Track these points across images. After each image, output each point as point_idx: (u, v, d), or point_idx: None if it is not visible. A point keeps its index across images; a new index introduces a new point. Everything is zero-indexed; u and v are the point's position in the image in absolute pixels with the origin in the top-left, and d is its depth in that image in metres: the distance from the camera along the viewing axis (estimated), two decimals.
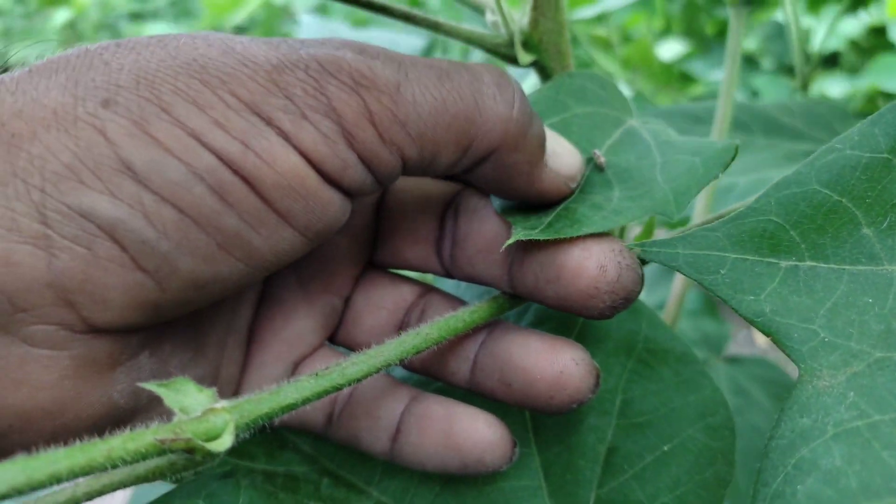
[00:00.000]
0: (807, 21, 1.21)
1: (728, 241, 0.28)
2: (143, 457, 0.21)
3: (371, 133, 0.25)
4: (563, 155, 0.30)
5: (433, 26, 0.37)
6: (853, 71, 1.54)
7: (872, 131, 0.28)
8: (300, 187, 0.24)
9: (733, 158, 0.31)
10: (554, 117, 0.34)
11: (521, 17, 0.37)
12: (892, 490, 0.22)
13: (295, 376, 0.29)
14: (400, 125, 0.26)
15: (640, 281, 0.29)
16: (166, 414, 0.23)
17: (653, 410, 0.33)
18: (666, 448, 0.33)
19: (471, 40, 0.38)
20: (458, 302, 0.33)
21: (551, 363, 0.29)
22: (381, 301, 0.34)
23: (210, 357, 0.30)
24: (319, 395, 0.26)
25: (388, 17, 0.37)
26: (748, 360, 0.78)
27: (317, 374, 0.27)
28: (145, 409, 0.28)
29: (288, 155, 0.24)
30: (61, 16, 2.87)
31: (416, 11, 0.37)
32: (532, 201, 0.30)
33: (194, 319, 0.29)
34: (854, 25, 1.51)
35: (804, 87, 0.75)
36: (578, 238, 0.29)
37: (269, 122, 0.24)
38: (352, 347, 0.34)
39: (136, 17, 3.07)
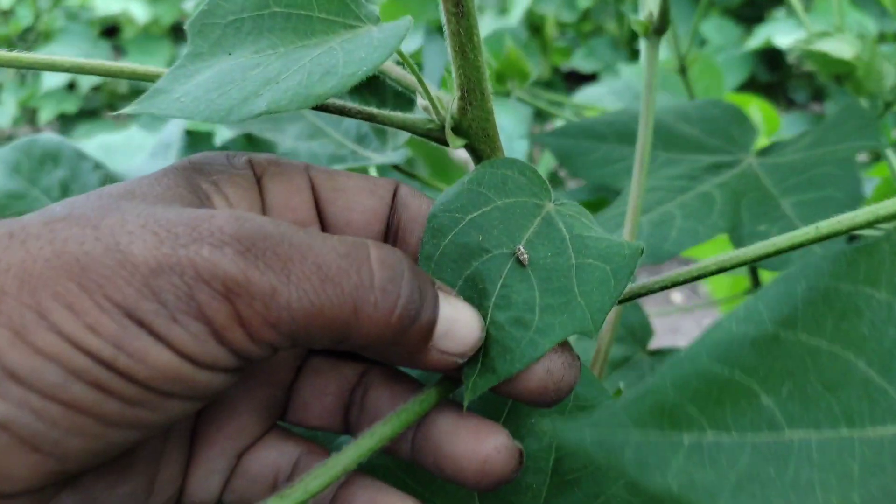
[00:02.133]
0: None
1: (631, 420, 0.29)
2: None
3: (240, 334, 0.27)
4: (457, 333, 0.31)
5: (368, 117, 0.39)
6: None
7: (757, 306, 0.28)
8: (175, 377, 0.27)
9: (637, 260, 0.34)
10: (475, 212, 0.35)
11: (451, 104, 0.39)
12: None
13: (244, 465, 0.34)
14: (270, 327, 0.27)
15: (580, 372, 0.33)
16: None
17: (582, 468, 0.37)
18: None
19: (405, 127, 0.39)
20: (397, 375, 0.36)
21: (476, 453, 0.32)
22: (325, 388, 0.37)
23: (140, 469, 0.32)
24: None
25: (328, 112, 0.39)
26: (671, 352, 0.80)
27: (281, 496, 0.29)
28: None
29: (160, 352, 0.26)
30: None
31: (350, 105, 0.38)
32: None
33: None
34: None
35: None
36: None
37: (141, 324, 0.26)
38: (305, 427, 0.37)
39: None
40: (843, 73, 0.69)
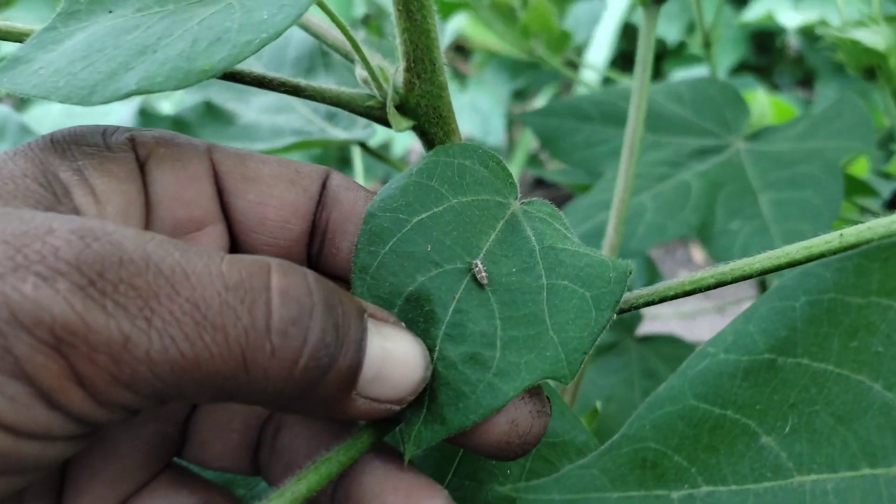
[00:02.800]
0: None
1: (606, 477, 0.24)
2: None
3: (79, 395, 0.21)
4: (390, 375, 0.25)
5: (293, 90, 0.32)
6: None
7: (747, 329, 0.23)
8: None
9: (625, 283, 0.28)
10: (424, 213, 0.29)
11: (395, 75, 0.32)
12: None
13: None
14: (122, 387, 0.21)
15: (549, 419, 0.27)
16: None
17: None
18: None
19: (338, 103, 0.33)
20: None
21: None
22: (228, 424, 0.30)
23: None
24: None
25: (244, 83, 0.32)
26: (659, 338, 0.75)
27: None
28: None
29: None
30: None
31: (272, 76, 0.32)
32: None
33: None
34: None
35: None
36: None
37: None
38: (204, 467, 0.31)
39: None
40: (874, 65, 0.63)
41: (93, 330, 0.20)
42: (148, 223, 0.28)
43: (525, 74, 1.19)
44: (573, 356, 0.26)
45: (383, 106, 0.32)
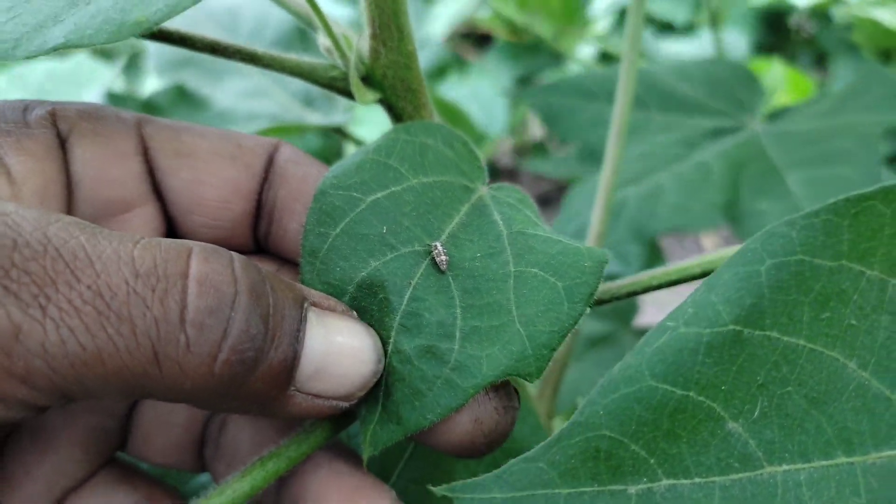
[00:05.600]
0: None
1: (555, 471, 0.22)
2: None
3: None
4: (335, 369, 0.23)
5: (250, 58, 0.30)
6: None
7: (709, 299, 0.21)
8: None
9: (602, 271, 0.25)
10: (380, 192, 0.26)
11: (359, 43, 0.30)
12: None
13: None
14: (17, 381, 0.20)
15: (517, 413, 0.25)
16: None
17: None
18: None
19: (299, 73, 0.30)
20: None
21: None
22: (169, 418, 0.29)
23: None
24: None
25: (195, 50, 0.30)
26: None
27: None
28: None
29: None
30: None
31: (225, 43, 0.30)
32: None
33: None
34: None
35: None
36: None
37: None
38: (147, 462, 0.30)
39: None
40: (893, 46, 0.60)
41: None
42: (70, 205, 0.26)
43: (525, 59, 1.15)
44: (541, 352, 0.24)
45: (346, 77, 0.30)
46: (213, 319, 0.21)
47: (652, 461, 0.21)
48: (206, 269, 0.21)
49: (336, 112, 0.54)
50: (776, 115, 0.61)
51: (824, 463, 0.20)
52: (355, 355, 0.23)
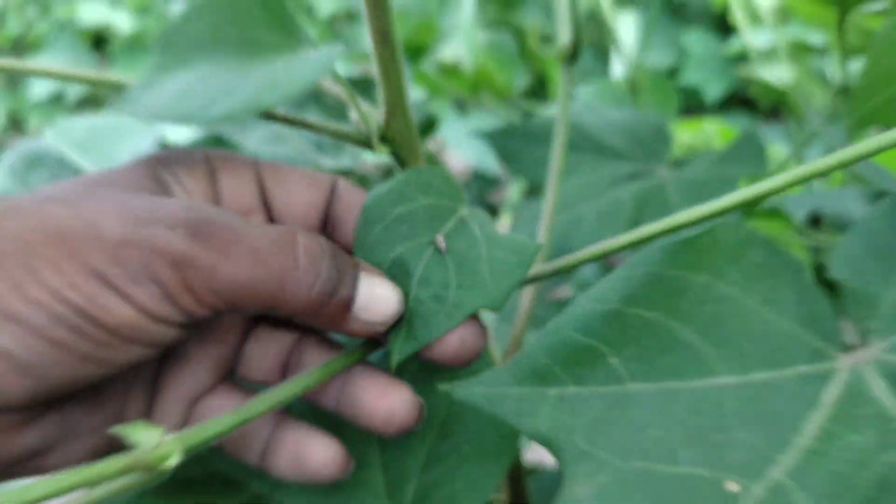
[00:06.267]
0: None
1: (512, 378, 0.36)
2: (118, 476, 0.30)
3: (189, 298, 0.32)
4: (375, 305, 0.36)
5: (307, 126, 0.44)
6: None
7: (606, 286, 0.36)
8: (136, 328, 0.32)
9: (536, 254, 0.39)
10: (401, 207, 0.40)
11: (378, 116, 0.43)
12: None
13: (197, 410, 0.38)
14: (212, 293, 0.32)
15: (485, 338, 0.38)
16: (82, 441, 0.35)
17: (463, 424, 0.43)
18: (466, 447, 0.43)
19: (340, 136, 0.44)
20: (328, 342, 0.41)
21: (382, 405, 0.38)
22: (266, 350, 0.41)
23: (111, 404, 0.37)
24: (233, 428, 0.34)
25: (275, 122, 0.43)
26: None
27: (234, 413, 0.34)
28: (64, 441, 0.35)
29: (122, 308, 0.31)
30: None
31: (292, 116, 0.43)
32: None
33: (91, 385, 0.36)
34: None
35: None
36: None
37: (109, 285, 0.31)
38: (250, 382, 0.41)
39: None
40: (780, 102, 0.70)
41: (197, 258, 0.32)
42: None
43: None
44: (502, 294, 0.37)
45: (369, 138, 0.44)
46: (312, 267, 0.34)
47: (565, 377, 0.35)
48: (307, 240, 0.35)
49: (345, 157, 0.68)
50: (679, 162, 0.75)
51: (662, 385, 0.34)
52: (388, 298, 0.36)
